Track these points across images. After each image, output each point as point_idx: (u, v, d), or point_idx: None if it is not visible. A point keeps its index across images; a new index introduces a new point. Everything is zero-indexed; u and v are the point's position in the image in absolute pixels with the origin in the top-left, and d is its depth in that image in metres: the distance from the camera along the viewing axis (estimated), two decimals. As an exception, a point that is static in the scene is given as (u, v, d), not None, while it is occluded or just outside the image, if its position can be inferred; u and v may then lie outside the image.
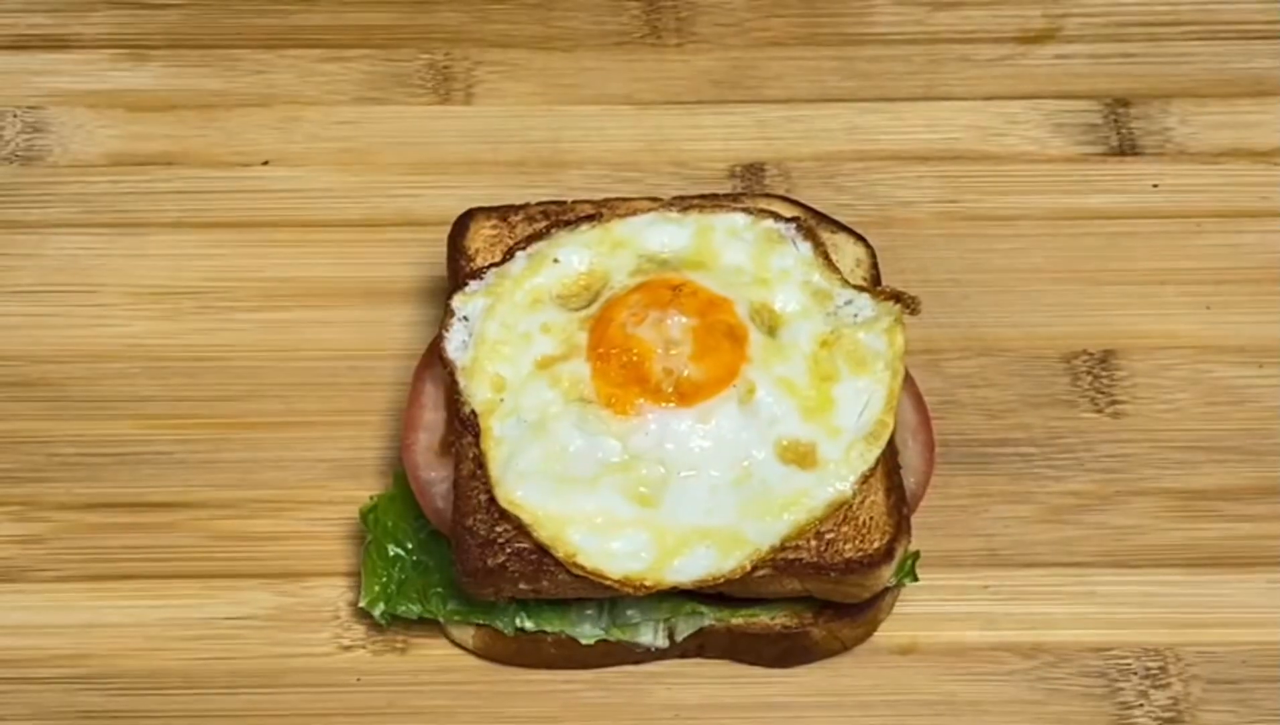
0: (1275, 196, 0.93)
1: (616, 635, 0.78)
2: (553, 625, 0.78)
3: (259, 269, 0.91)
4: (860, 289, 0.80)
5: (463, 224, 0.84)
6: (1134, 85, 0.97)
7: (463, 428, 0.77)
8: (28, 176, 0.94)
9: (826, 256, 0.81)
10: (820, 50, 0.99)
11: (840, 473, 0.76)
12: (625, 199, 0.84)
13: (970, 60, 0.98)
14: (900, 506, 0.76)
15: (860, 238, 0.83)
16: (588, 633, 0.78)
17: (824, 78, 0.98)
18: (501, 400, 0.78)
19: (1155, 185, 0.93)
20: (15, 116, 0.96)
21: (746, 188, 0.93)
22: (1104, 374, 0.87)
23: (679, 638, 0.79)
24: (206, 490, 0.84)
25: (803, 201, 0.86)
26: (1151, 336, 0.89)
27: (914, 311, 0.79)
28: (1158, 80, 0.97)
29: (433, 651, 0.80)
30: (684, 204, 0.83)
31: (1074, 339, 0.88)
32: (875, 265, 0.82)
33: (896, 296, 0.80)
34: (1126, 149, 0.95)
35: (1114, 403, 0.87)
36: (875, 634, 0.80)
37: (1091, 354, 0.88)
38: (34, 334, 0.89)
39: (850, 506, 0.76)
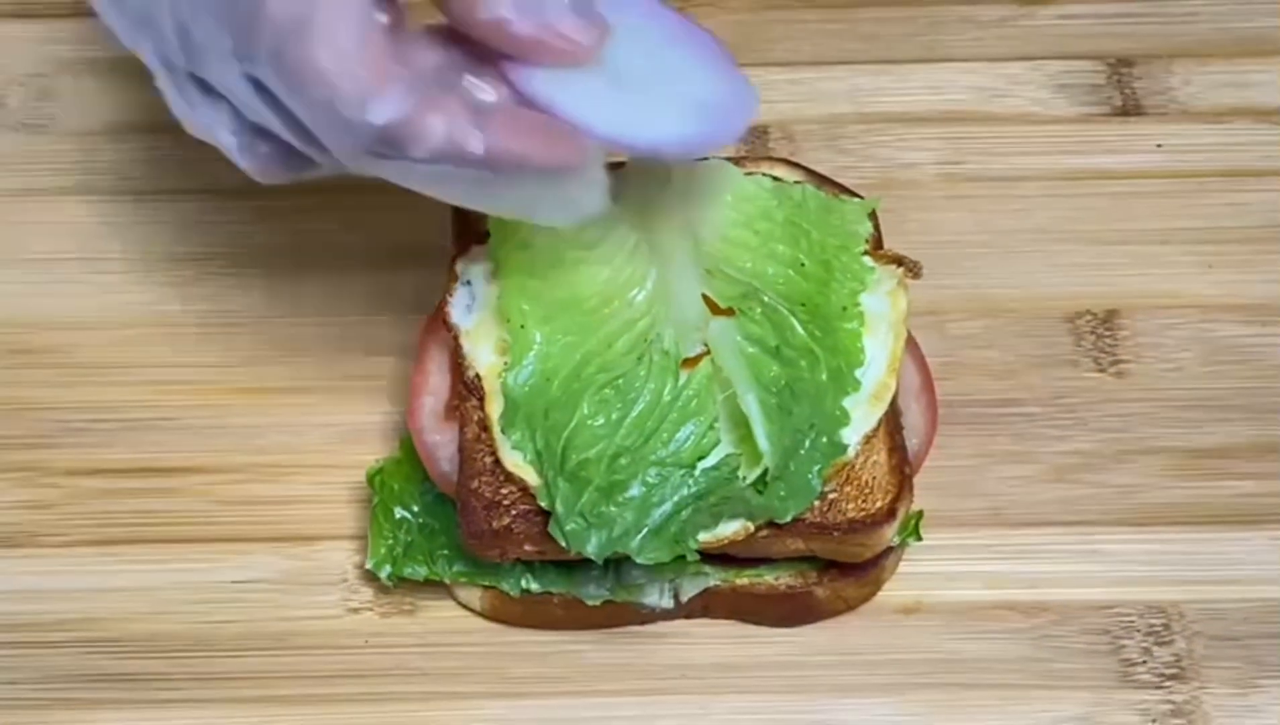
0: (1278, 156, 0.93)
1: (622, 596, 0.79)
2: (558, 587, 0.79)
3: (265, 235, 0.91)
4: (863, 252, 0.80)
5: (467, 189, 0.84)
6: (1136, 45, 0.97)
7: (467, 391, 0.77)
8: (34, 145, 0.94)
9: None
10: (823, 13, 0.98)
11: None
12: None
13: (973, 21, 0.98)
14: (903, 467, 0.76)
15: (867, 200, 0.83)
16: (593, 594, 0.79)
17: (827, 40, 0.98)
18: (506, 363, 0.78)
19: (1158, 145, 0.94)
20: (21, 85, 0.96)
21: (750, 151, 0.93)
22: (1107, 334, 0.88)
23: (684, 598, 0.79)
24: (214, 455, 0.85)
25: (805, 164, 0.86)
26: (1154, 296, 0.89)
27: (916, 275, 0.79)
28: (1160, 40, 0.97)
29: (440, 613, 0.81)
30: (687, 167, 0.84)
31: (1077, 299, 0.89)
32: (877, 228, 0.82)
33: (899, 260, 0.80)
34: (1129, 109, 0.95)
35: (1117, 362, 0.87)
36: (879, 593, 0.81)
37: (1095, 314, 0.88)
38: (41, 301, 0.89)
39: (853, 467, 0.76)
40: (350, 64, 0.64)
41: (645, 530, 0.73)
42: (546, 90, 0.68)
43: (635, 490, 0.73)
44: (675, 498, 0.73)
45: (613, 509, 0.73)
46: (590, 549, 0.73)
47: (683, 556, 0.74)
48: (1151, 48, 0.97)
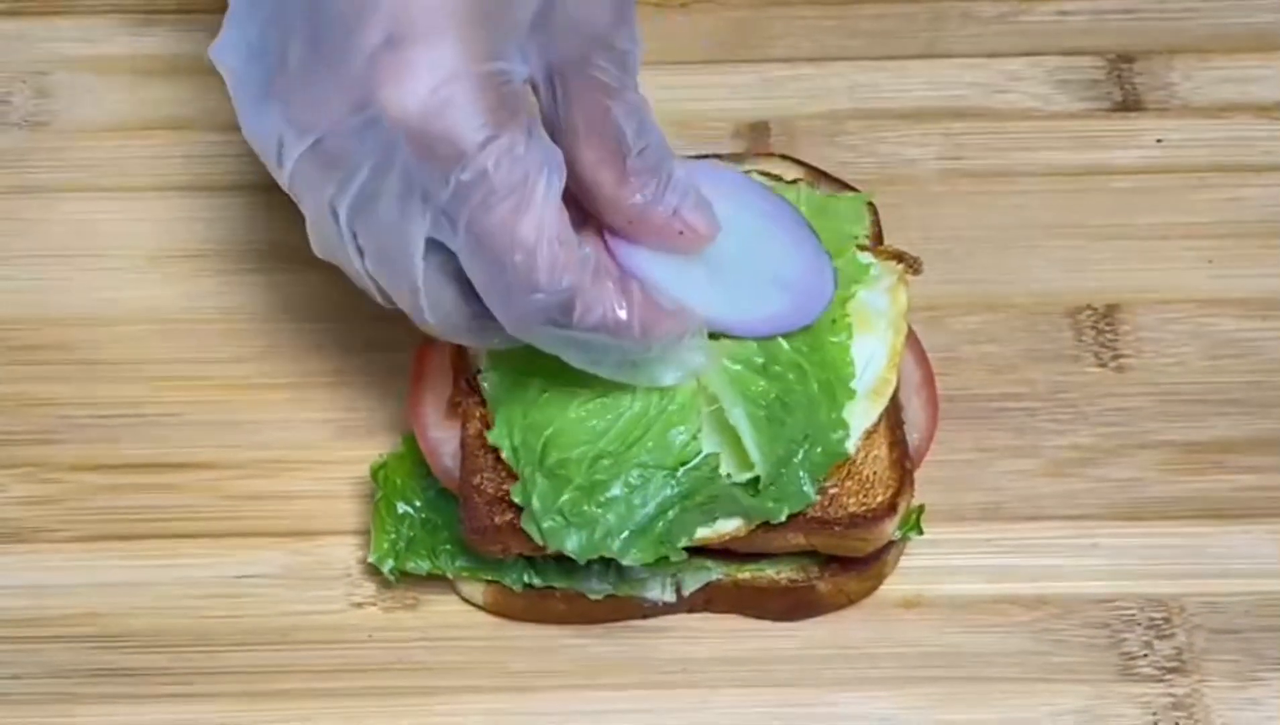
0: (1278, 151, 0.93)
1: (624, 591, 0.79)
2: (559, 582, 0.79)
3: (268, 231, 0.91)
4: (863, 248, 0.80)
5: (468, 185, 0.84)
6: (1136, 41, 0.97)
7: (469, 388, 0.77)
8: (36, 142, 0.94)
9: None
10: (823, 9, 0.99)
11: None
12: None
13: (972, 17, 0.98)
14: (903, 462, 0.77)
15: (864, 195, 0.83)
16: (595, 588, 0.79)
17: (827, 36, 0.98)
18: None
19: (1158, 141, 0.94)
20: (23, 83, 0.96)
21: (750, 147, 0.93)
22: (1108, 329, 0.88)
23: (686, 593, 0.80)
24: (217, 451, 0.85)
25: (805, 161, 0.86)
26: (1155, 291, 0.89)
27: (916, 271, 0.80)
28: (1160, 35, 0.97)
29: (443, 608, 0.81)
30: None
31: (1077, 294, 0.89)
32: (877, 224, 0.82)
33: (899, 256, 0.80)
34: (1129, 105, 0.95)
35: (1117, 357, 0.87)
36: (881, 588, 0.81)
37: (1095, 309, 0.88)
38: (44, 298, 0.89)
39: (854, 462, 0.76)
40: (549, 234, 0.67)
41: (628, 532, 0.73)
42: (644, 267, 0.72)
43: (617, 491, 0.73)
44: (659, 498, 0.73)
45: (595, 509, 0.73)
46: (571, 548, 0.73)
47: (671, 558, 0.74)
48: (1151, 43, 0.97)
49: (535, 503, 0.73)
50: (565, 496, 0.73)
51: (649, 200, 0.71)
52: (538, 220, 0.67)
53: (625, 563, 0.73)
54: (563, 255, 0.68)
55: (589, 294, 0.69)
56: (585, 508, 0.73)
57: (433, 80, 0.66)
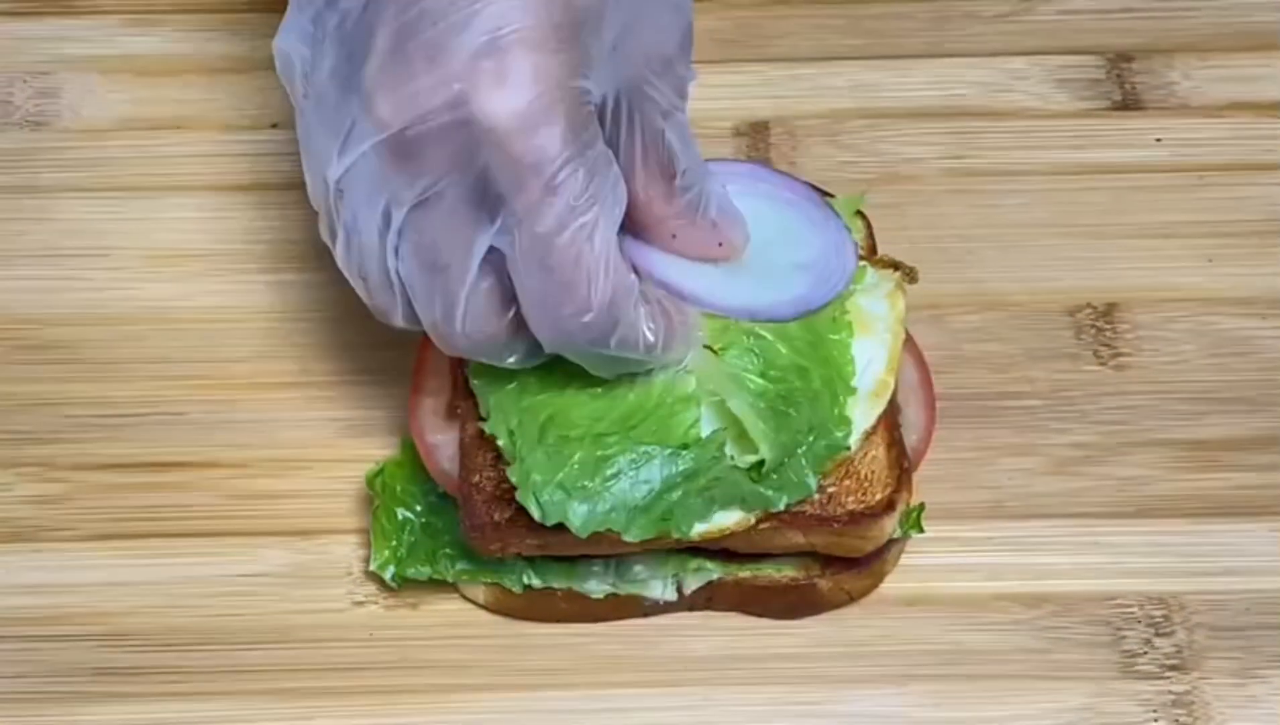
0: (1278, 150, 0.93)
1: (625, 590, 0.79)
2: (560, 582, 0.79)
3: (271, 231, 0.92)
4: (859, 258, 0.80)
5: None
6: (1137, 40, 0.97)
7: (467, 391, 0.78)
8: (39, 142, 0.94)
9: None
10: (825, 8, 0.99)
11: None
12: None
13: (975, 17, 0.99)
14: (901, 460, 0.77)
15: (856, 209, 0.83)
16: (595, 588, 0.79)
17: (829, 35, 0.98)
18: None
19: (1158, 139, 0.94)
20: (26, 82, 0.97)
21: (752, 146, 0.93)
22: (1108, 327, 0.88)
23: (687, 591, 0.80)
24: (220, 450, 0.85)
25: (806, 160, 0.86)
26: (1155, 289, 0.89)
27: (912, 280, 0.80)
28: (1160, 34, 0.97)
29: (444, 606, 0.81)
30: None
31: (1078, 293, 0.89)
32: (871, 232, 0.83)
33: (895, 265, 0.80)
34: (1130, 104, 0.95)
35: (1118, 355, 0.87)
36: (882, 585, 0.81)
37: (1095, 307, 0.89)
38: (47, 297, 0.89)
39: (852, 461, 0.76)
40: (610, 259, 0.69)
41: (632, 506, 0.73)
42: (661, 265, 0.75)
43: (622, 465, 0.74)
44: (663, 474, 0.74)
45: (599, 483, 0.73)
46: (574, 520, 0.73)
47: (681, 548, 0.74)
48: (1152, 42, 0.97)
49: (535, 477, 0.73)
50: (567, 469, 0.73)
51: (693, 216, 0.73)
52: (602, 243, 0.68)
53: (627, 538, 0.73)
54: (616, 280, 0.69)
55: (629, 318, 0.71)
56: (588, 483, 0.73)
57: (534, 91, 0.66)
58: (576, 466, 0.73)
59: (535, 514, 0.73)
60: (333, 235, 0.73)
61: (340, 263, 0.74)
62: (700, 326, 0.75)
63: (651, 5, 0.71)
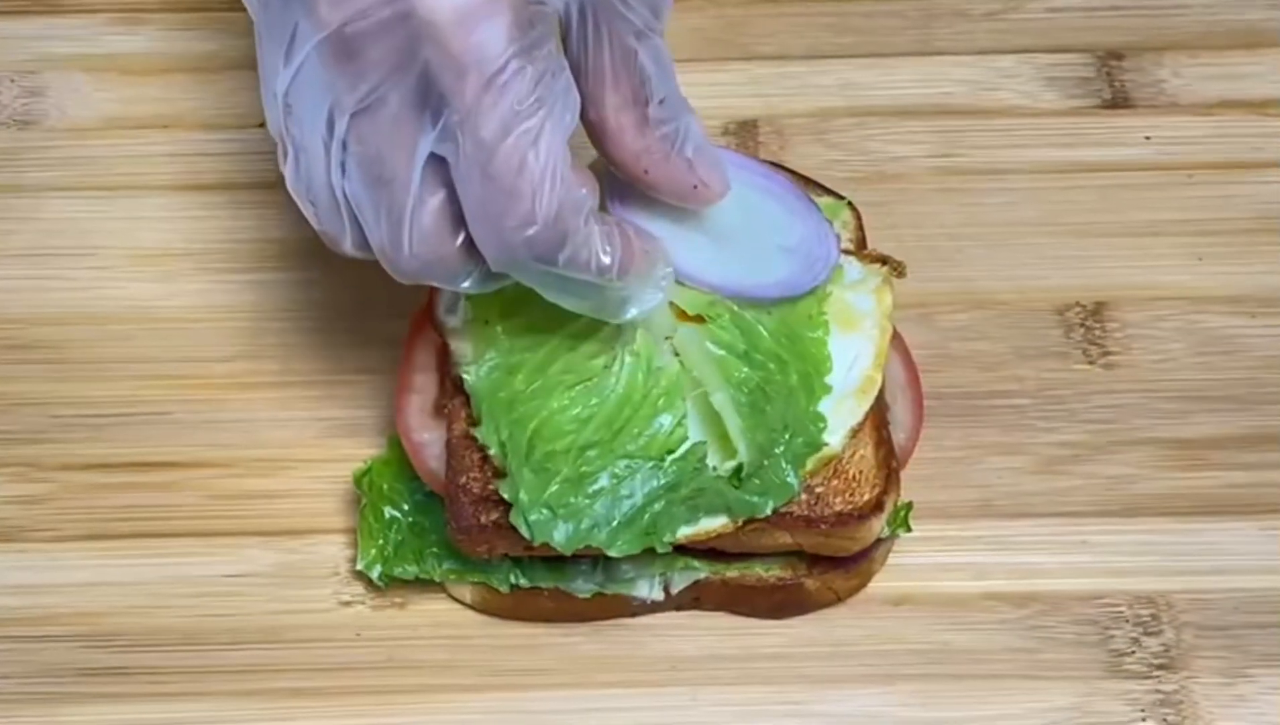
0: (1267, 148, 0.93)
1: (612, 589, 0.79)
2: (547, 582, 0.79)
3: (255, 230, 0.91)
4: (847, 252, 0.80)
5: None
6: (1126, 38, 0.97)
7: (454, 389, 0.77)
8: (25, 141, 0.94)
9: None
10: (813, 6, 0.99)
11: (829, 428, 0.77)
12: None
13: (963, 15, 0.98)
14: (889, 460, 0.77)
15: (845, 200, 0.83)
16: (582, 588, 0.79)
17: (817, 34, 0.98)
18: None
19: (1147, 137, 0.94)
20: (12, 81, 0.96)
21: (739, 145, 0.93)
22: (1096, 326, 0.88)
23: (674, 591, 0.80)
24: (206, 450, 0.85)
25: (793, 159, 0.86)
26: (1143, 288, 0.89)
27: (900, 275, 0.80)
28: (1150, 32, 0.97)
29: (431, 606, 0.81)
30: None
31: (1066, 291, 0.89)
32: (861, 226, 0.82)
33: (883, 260, 0.80)
34: (1119, 102, 0.95)
35: (1106, 354, 0.87)
36: (869, 585, 0.81)
37: (1084, 306, 0.88)
38: (32, 297, 0.89)
39: (839, 461, 0.76)
40: (556, 169, 0.66)
41: (615, 522, 0.73)
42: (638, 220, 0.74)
43: (604, 482, 0.73)
44: (645, 489, 0.73)
45: (581, 501, 0.73)
46: (558, 540, 0.73)
47: (658, 549, 0.74)
48: (1141, 40, 0.97)
49: (523, 497, 0.73)
50: (552, 488, 0.73)
51: (669, 150, 0.71)
52: (548, 151, 0.66)
53: (611, 554, 0.73)
54: (563, 193, 0.66)
55: (579, 235, 0.68)
56: (572, 499, 0.73)
57: None
58: (561, 483, 0.73)
59: (524, 533, 0.73)
60: (284, 156, 0.70)
61: (290, 187, 0.71)
62: (665, 262, 0.73)
63: None
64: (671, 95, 0.71)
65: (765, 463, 0.74)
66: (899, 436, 0.80)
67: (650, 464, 0.73)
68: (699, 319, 0.75)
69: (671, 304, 0.76)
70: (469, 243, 0.68)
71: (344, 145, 0.68)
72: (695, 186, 0.72)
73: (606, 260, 0.69)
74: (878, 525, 0.76)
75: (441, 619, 0.81)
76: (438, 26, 0.64)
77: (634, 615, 0.80)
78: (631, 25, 0.69)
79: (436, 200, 0.68)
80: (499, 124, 0.65)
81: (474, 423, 0.75)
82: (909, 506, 0.80)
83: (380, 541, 0.80)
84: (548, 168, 0.66)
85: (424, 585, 0.81)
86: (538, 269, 0.68)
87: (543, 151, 0.66)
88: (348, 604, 0.81)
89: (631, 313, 0.73)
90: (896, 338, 0.81)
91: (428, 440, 0.79)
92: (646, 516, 0.73)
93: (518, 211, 0.66)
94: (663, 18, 0.71)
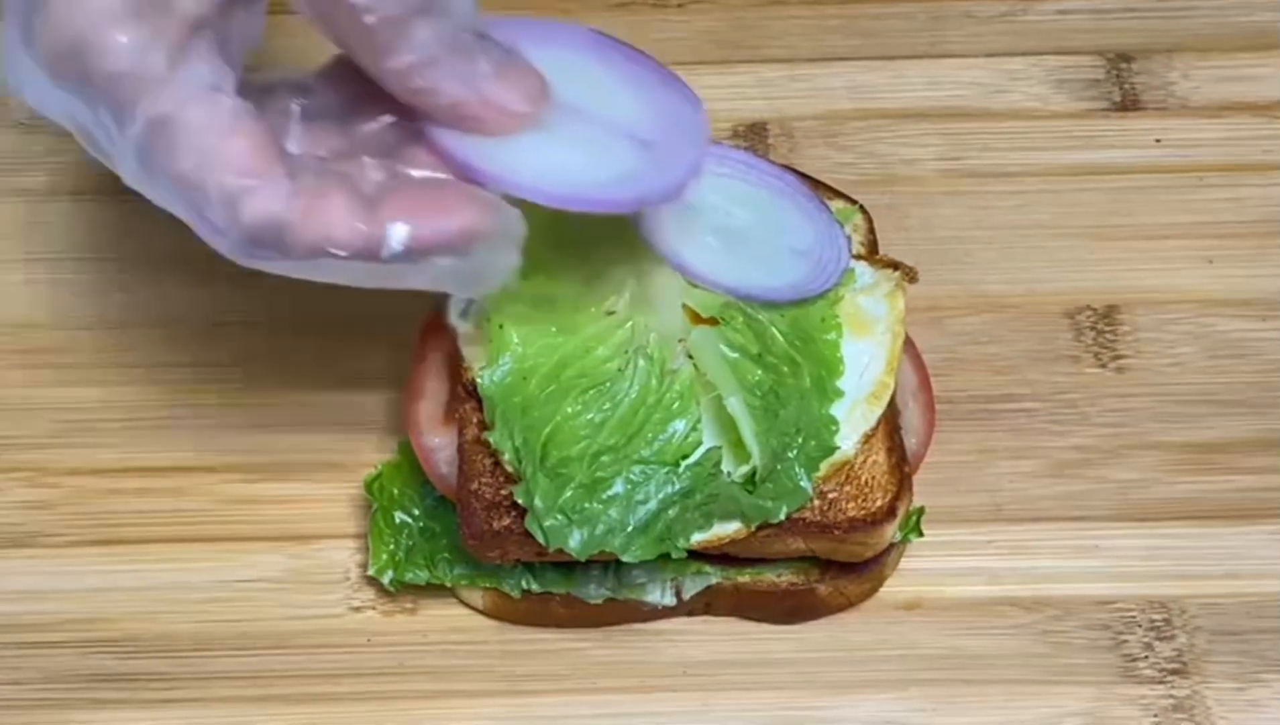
0: (1277, 150, 0.93)
1: (624, 595, 0.79)
2: (559, 587, 0.79)
3: (264, 234, 0.91)
4: (858, 257, 0.80)
5: (465, 187, 0.84)
6: (1136, 40, 0.97)
7: (466, 394, 0.77)
8: (34, 145, 0.94)
9: None
10: (822, 9, 0.98)
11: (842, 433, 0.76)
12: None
13: (973, 17, 0.98)
14: (902, 466, 0.76)
15: (858, 204, 0.83)
16: (594, 594, 0.79)
17: (826, 36, 0.98)
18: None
19: (1158, 140, 0.94)
20: (19, 85, 0.96)
21: (749, 148, 0.93)
22: (1107, 329, 0.88)
23: (686, 596, 0.79)
24: (216, 454, 0.85)
25: (803, 161, 0.86)
26: (1154, 291, 0.89)
27: (912, 280, 0.80)
28: (1160, 35, 0.97)
29: (442, 612, 0.81)
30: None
31: (1077, 294, 0.89)
32: (872, 231, 0.82)
33: (895, 265, 0.80)
34: (1129, 104, 0.95)
35: (1117, 357, 0.87)
36: (881, 590, 0.81)
37: (1095, 309, 0.88)
38: (42, 302, 0.89)
39: (852, 466, 0.76)
40: (220, 167, 0.61)
41: (630, 528, 0.73)
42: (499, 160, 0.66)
43: (619, 487, 0.73)
44: (660, 495, 0.73)
45: (596, 506, 0.73)
46: (572, 545, 0.73)
47: (672, 555, 0.74)
48: (1151, 42, 0.97)
49: (538, 503, 0.73)
50: (567, 494, 0.73)
51: (419, 72, 0.63)
52: (196, 154, 0.61)
53: (626, 559, 0.73)
54: (247, 184, 0.61)
55: (300, 223, 0.61)
56: (587, 505, 0.73)
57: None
58: (576, 489, 0.73)
59: (540, 539, 0.73)
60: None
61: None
62: (507, 211, 0.65)
63: None
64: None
65: (778, 467, 0.74)
66: (910, 441, 0.80)
67: (665, 470, 0.73)
68: (712, 321, 0.75)
69: (685, 306, 0.75)
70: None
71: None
72: (483, 112, 0.64)
73: (348, 235, 0.62)
74: (890, 531, 0.76)
75: (453, 624, 0.81)
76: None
77: (646, 621, 0.80)
78: None
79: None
80: (143, 142, 0.61)
81: (486, 427, 0.75)
82: (921, 511, 0.79)
83: (391, 546, 0.80)
84: (207, 170, 0.61)
85: (435, 591, 0.80)
86: (283, 265, 0.63)
87: (189, 157, 0.61)
88: (358, 609, 0.81)
89: (486, 285, 0.66)
90: (907, 342, 0.80)
91: (439, 445, 0.79)
92: (661, 522, 0.73)
93: (205, 224, 0.63)
94: None
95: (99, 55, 0.61)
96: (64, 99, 0.62)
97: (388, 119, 0.66)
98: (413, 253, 0.63)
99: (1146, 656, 0.79)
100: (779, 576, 0.79)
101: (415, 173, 0.65)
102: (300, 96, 0.66)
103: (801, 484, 0.74)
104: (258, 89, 0.65)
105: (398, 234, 0.62)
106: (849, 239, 0.79)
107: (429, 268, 0.64)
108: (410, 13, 0.62)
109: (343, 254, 0.62)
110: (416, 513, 0.80)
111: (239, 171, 0.61)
